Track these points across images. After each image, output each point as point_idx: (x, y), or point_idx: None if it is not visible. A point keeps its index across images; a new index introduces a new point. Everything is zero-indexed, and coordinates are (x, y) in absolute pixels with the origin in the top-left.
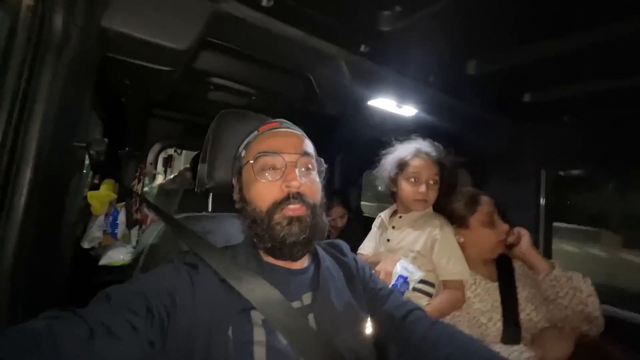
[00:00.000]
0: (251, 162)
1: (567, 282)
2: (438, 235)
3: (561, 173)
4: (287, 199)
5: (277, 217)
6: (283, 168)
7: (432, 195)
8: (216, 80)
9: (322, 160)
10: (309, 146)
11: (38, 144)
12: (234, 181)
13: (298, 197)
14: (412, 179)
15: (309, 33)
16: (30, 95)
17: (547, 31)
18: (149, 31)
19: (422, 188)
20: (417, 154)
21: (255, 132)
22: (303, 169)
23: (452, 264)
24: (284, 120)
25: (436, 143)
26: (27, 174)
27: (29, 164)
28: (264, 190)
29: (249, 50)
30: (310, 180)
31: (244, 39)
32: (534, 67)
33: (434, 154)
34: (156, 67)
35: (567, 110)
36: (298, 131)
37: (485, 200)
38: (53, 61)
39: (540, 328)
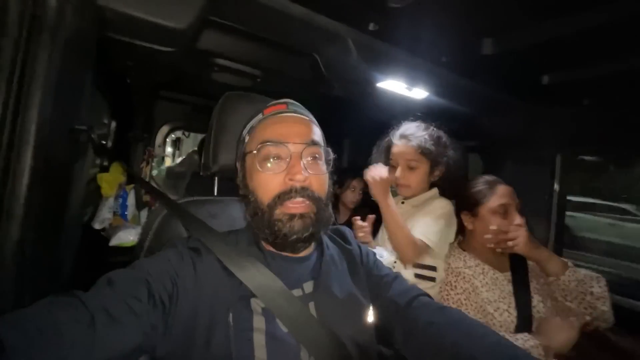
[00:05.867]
0: (254, 152)
1: (577, 286)
2: (430, 206)
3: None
4: (290, 192)
5: (278, 212)
6: (288, 159)
7: (413, 180)
8: (220, 61)
9: (330, 149)
10: (317, 133)
11: (37, 127)
12: (238, 166)
13: (302, 191)
14: (393, 165)
15: (315, 10)
16: (26, 78)
17: (569, 6)
18: (146, 9)
19: (397, 173)
20: (396, 139)
21: (260, 116)
22: (310, 159)
23: (422, 225)
24: (290, 101)
25: (423, 124)
26: (28, 159)
27: (29, 148)
28: (267, 182)
29: (252, 29)
30: (316, 172)
31: (247, 17)
32: (553, 46)
33: (412, 137)
34: (157, 47)
35: (587, 92)
36: (306, 115)
37: (501, 190)
38: (48, 42)
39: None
